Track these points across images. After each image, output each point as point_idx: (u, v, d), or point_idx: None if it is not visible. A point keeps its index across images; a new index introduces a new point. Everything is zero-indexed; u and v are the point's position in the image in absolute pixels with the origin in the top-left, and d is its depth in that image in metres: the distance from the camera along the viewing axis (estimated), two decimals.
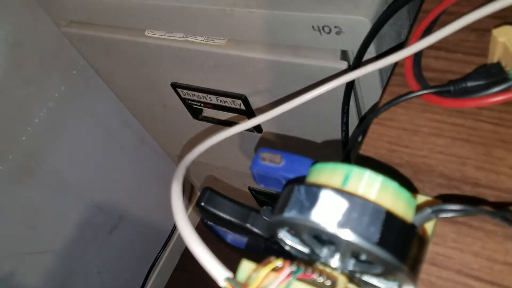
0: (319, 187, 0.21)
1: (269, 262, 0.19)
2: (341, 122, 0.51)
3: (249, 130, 0.72)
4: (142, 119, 0.93)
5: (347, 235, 0.19)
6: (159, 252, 1.12)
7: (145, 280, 1.10)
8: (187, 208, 1.21)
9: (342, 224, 0.20)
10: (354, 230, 0.19)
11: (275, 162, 0.28)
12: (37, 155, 0.83)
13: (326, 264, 0.21)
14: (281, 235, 0.23)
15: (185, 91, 0.71)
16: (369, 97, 0.56)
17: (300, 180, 0.24)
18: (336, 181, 0.21)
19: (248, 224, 0.37)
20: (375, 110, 0.34)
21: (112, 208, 1.01)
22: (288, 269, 0.18)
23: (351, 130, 0.50)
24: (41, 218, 0.86)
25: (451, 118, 0.33)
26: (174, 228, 1.17)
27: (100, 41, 0.70)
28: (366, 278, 0.22)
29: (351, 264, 0.21)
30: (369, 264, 0.21)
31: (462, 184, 0.30)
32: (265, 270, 0.18)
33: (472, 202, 0.28)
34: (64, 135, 0.87)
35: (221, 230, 0.41)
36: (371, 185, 0.21)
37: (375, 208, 0.20)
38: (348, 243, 0.20)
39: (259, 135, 0.73)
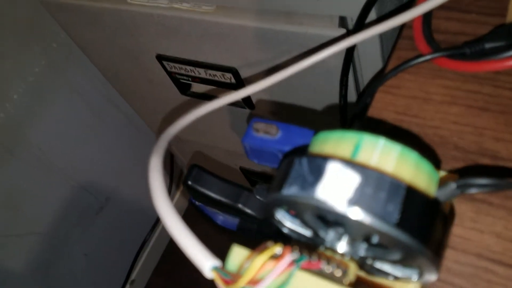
0: (324, 158, 0.17)
1: (265, 248, 0.15)
2: (339, 95, 0.47)
3: (240, 106, 0.68)
4: (127, 96, 0.88)
5: (360, 215, 0.16)
6: (147, 234, 1.09)
7: (133, 263, 1.07)
8: (175, 193, 1.17)
9: (354, 202, 0.16)
10: (369, 209, 0.16)
11: (270, 134, 0.25)
12: (17, 133, 0.78)
13: (332, 250, 0.18)
14: (279, 216, 0.19)
15: (171, 64, 0.67)
16: (368, 69, 0.52)
17: (301, 150, 0.21)
18: (345, 151, 0.18)
19: (239, 204, 0.34)
20: (380, 77, 0.31)
21: (99, 189, 0.97)
22: (289, 256, 0.15)
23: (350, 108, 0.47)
24: (22, 199, 0.82)
25: (465, 84, 0.29)
26: None
27: (80, 10, 0.65)
28: (380, 265, 0.19)
29: (362, 249, 0.18)
30: (384, 249, 0.17)
31: (479, 157, 0.26)
32: (261, 258, 0.15)
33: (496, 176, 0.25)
34: (45, 112, 0.82)
35: (211, 211, 0.38)
36: (387, 156, 0.18)
37: (394, 182, 0.16)
38: (361, 225, 0.16)
39: (251, 111, 0.69)
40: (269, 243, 0.16)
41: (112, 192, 1.01)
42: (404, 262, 0.17)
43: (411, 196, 0.17)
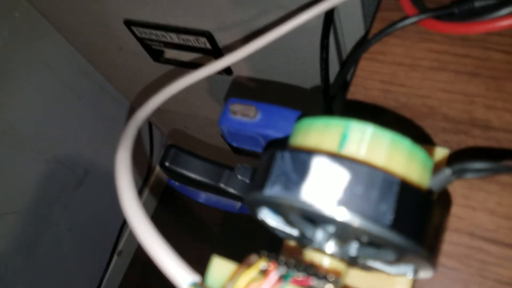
0: (309, 152, 0.15)
1: (249, 264, 0.14)
2: (320, 59, 0.45)
3: (218, 72, 0.65)
4: (98, 65, 0.84)
5: (350, 217, 0.14)
6: None
7: (119, 234, 1.06)
8: (151, 174, 1.14)
9: (344, 203, 0.14)
10: (360, 210, 0.14)
11: (248, 116, 0.23)
12: None
13: (320, 250, 0.16)
14: (262, 215, 0.18)
15: (141, 29, 0.63)
16: (351, 35, 0.49)
17: (284, 142, 0.19)
18: (331, 143, 0.16)
19: (221, 184, 0.32)
20: (363, 42, 0.28)
21: (76, 162, 0.95)
22: (275, 273, 0.13)
23: (332, 75, 0.44)
24: None
25: (454, 47, 0.27)
26: (146, 179, 1.12)
27: None
28: (373, 263, 0.17)
29: (353, 249, 0.16)
30: (377, 248, 0.16)
31: (470, 128, 0.25)
32: (244, 278, 0.13)
33: (490, 154, 0.23)
34: (13, 87, 0.78)
35: (192, 190, 0.36)
36: (378, 146, 0.16)
37: (386, 178, 0.15)
38: (352, 227, 0.15)
39: (230, 77, 0.66)
40: (253, 257, 0.14)
41: (90, 165, 0.98)
42: (399, 261, 0.16)
43: (405, 192, 0.15)
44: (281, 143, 0.22)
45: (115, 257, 1.06)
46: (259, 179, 0.17)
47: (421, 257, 0.15)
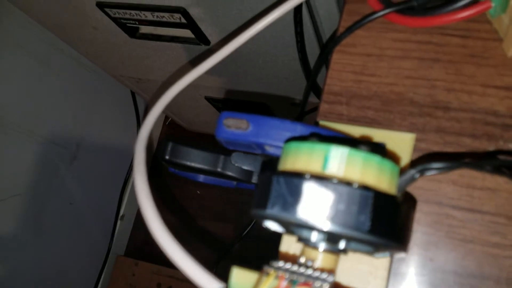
0: (300, 177, 0.19)
1: (266, 274, 0.18)
2: (294, 32, 0.47)
3: (195, 43, 0.66)
4: (73, 44, 0.84)
5: (337, 228, 0.18)
6: (127, 172, 1.11)
7: (119, 200, 1.11)
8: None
9: (331, 219, 0.18)
10: (344, 223, 0.18)
11: (241, 128, 0.26)
12: None
13: (314, 247, 0.21)
14: (267, 224, 0.22)
15: (114, 10, 0.63)
16: (328, 22, 0.51)
17: (275, 163, 0.22)
18: (316, 165, 0.20)
19: (218, 168, 0.36)
20: (335, 37, 0.31)
21: (66, 138, 0.97)
22: (285, 282, 0.18)
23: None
24: None
25: (416, 35, 0.30)
26: None
27: None
28: (357, 251, 0.22)
29: (341, 244, 0.20)
30: (360, 244, 0.20)
31: (434, 110, 0.29)
32: (264, 286, 0.17)
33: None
34: None
35: (190, 174, 0.40)
36: (354, 164, 0.19)
37: (362, 194, 0.19)
38: (339, 235, 0.19)
39: (207, 47, 0.68)
40: (267, 269, 0.18)
41: (80, 138, 1.01)
42: (377, 251, 0.20)
43: (378, 201, 0.19)
44: (273, 164, 0.25)
45: (118, 222, 1.12)
46: (261, 198, 0.20)
47: (394, 249, 0.19)
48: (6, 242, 0.86)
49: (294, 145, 0.21)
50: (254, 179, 0.36)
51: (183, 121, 1.12)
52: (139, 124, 1.10)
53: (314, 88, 0.54)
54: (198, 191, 1.20)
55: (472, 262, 0.26)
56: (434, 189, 0.27)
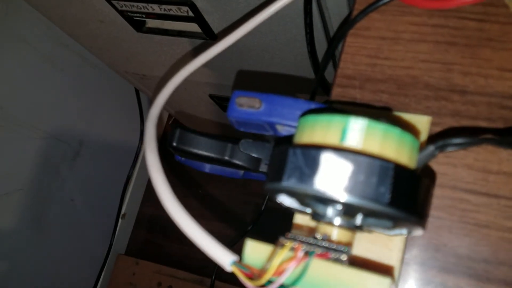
0: (317, 149, 0.19)
1: (281, 245, 0.17)
2: (304, 23, 0.47)
3: (202, 37, 0.66)
4: (78, 38, 0.84)
5: (356, 200, 0.18)
6: (130, 170, 1.11)
7: (121, 198, 1.10)
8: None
9: (350, 190, 0.18)
10: (363, 194, 0.18)
11: (254, 107, 0.26)
12: None
13: (330, 223, 0.20)
14: (280, 199, 0.21)
15: (121, 2, 0.63)
16: (335, 13, 0.51)
17: (289, 139, 0.22)
18: (334, 137, 0.19)
19: (226, 156, 0.35)
20: (349, 19, 0.31)
21: (70, 135, 0.96)
22: (301, 251, 0.17)
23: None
24: None
25: (432, 19, 0.30)
26: (141, 142, 1.14)
27: None
28: (374, 227, 0.21)
29: (358, 220, 0.20)
30: (378, 218, 0.20)
31: (450, 94, 0.28)
32: (279, 257, 0.17)
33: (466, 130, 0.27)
34: None
35: (198, 163, 0.39)
36: (373, 136, 0.19)
37: (382, 165, 0.18)
38: (357, 207, 0.18)
39: (214, 42, 0.67)
40: (283, 240, 0.18)
41: (83, 135, 1.00)
42: (395, 227, 0.20)
43: (398, 174, 0.18)
44: (288, 140, 0.25)
45: (120, 221, 1.11)
46: (276, 171, 0.20)
47: (414, 224, 0.19)
48: (7, 238, 0.86)
49: (311, 117, 0.20)
50: (262, 168, 0.35)
51: (185, 120, 1.12)
52: (142, 122, 1.10)
53: (322, 82, 0.53)
54: (200, 191, 1.20)
55: (486, 247, 0.25)
56: (448, 173, 0.27)
